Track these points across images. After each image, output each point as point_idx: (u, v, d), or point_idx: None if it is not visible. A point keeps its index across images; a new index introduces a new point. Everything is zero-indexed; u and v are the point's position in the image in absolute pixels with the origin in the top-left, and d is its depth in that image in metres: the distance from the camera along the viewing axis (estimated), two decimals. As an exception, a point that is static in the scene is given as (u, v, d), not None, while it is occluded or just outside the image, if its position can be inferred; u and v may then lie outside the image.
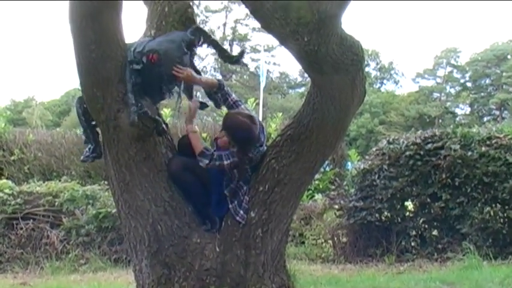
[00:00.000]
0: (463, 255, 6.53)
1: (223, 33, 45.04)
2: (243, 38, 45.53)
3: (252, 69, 40.66)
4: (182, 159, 4.17)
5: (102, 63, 3.78)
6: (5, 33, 62.44)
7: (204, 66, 41.96)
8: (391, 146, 7.45)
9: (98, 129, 4.20)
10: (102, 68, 3.79)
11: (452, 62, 49.24)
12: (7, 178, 9.54)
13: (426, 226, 7.33)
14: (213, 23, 46.23)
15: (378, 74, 52.68)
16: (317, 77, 3.86)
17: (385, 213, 7.38)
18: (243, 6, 4.02)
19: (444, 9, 70.74)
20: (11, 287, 6.40)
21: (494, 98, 45.23)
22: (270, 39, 33.45)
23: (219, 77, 37.29)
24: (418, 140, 7.32)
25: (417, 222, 7.35)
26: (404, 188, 7.21)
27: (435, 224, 7.26)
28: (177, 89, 4.13)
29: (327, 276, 6.20)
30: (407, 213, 7.45)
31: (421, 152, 7.19)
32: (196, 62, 5.41)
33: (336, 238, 7.63)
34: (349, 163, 10.66)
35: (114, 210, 6.66)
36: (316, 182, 9.45)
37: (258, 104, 14.25)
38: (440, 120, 44.44)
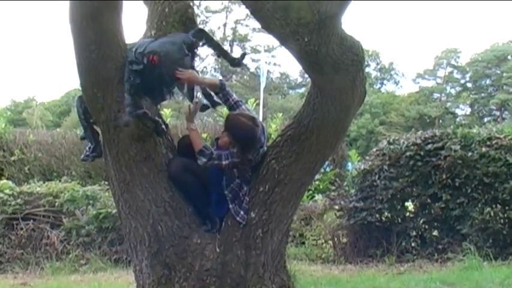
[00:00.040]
0: (464, 255, 6.52)
1: (224, 33, 45.04)
2: (243, 39, 45.52)
3: (252, 69, 40.71)
4: (182, 160, 4.17)
5: (103, 64, 3.78)
6: (5, 33, 62.51)
7: (205, 67, 41.98)
8: (392, 147, 7.45)
9: (98, 129, 4.21)
10: (103, 69, 3.79)
11: (453, 62, 49.23)
12: (7, 178, 9.54)
13: (426, 227, 7.33)
14: (213, 24, 46.33)
15: (378, 74, 52.69)
16: (317, 78, 3.86)
17: (386, 213, 7.38)
18: (243, 6, 4.03)
19: (444, 9, 70.79)
20: (11, 288, 6.41)
21: (494, 99, 45.22)
22: (270, 40, 33.41)
23: (219, 77, 37.26)
24: (419, 141, 7.32)
25: (417, 223, 7.35)
26: (404, 189, 7.21)
27: (435, 224, 7.26)
28: (178, 89, 4.13)
29: (327, 276, 6.20)
30: (408, 214, 7.45)
31: (422, 153, 7.19)
32: (197, 62, 5.41)
33: (336, 238, 7.63)
34: (349, 164, 10.65)
35: (114, 211, 6.66)
36: (317, 182, 9.45)
37: (258, 104, 14.25)
38: (440, 121, 44.43)
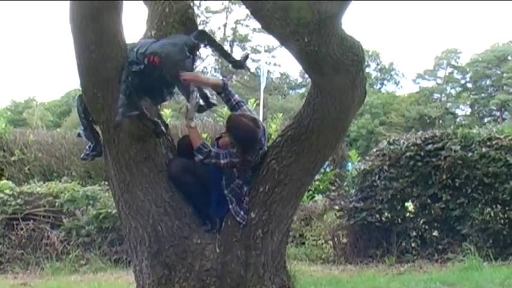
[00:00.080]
0: (464, 256, 6.53)
1: (224, 34, 44.99)
2: (244, 39, 45.48)
3: (252, 69, 40.68)
4: (182, 160, 4.18)
5: (103, 64, 3.78)
6: (6, 34, 62.49)
7: (205, 67, 41.97)
8: (392, 147, 7.45)
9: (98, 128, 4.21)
10: (103, 69, 3.79)
11: (453, 62, 49.22)
12: (7, 179, 9.55)
13: (426, 227, 7.34)
14: (214, 24, 46.29)
15: (379, 74, 52.67)
16: (317, 78, 3.86)
17: (386, 214, 7.39)
18: (243, 7, 4.03)
19: (445, 9, 70.77)
20: (12, 288, 6.41)
21: (494, 99, 45.21)
22: (271, 40, 33.49)
23: (219, 77, 37.27)
24: (419, 141, 7.32)
25: (417, 223, 7.36)
26: (404, 189, 7.21)
27: (435, 224, 7.26)
28: (178, 89, 4.13)
29: (327, 277, 6.21)
30: (408, 214, 7.46)
31: (422, 153, 7.19)
32: (197, 62, 5.41)
33: (336, 239, 7.63)
34: (349, 164, 10.65)
35: (114, 211, 6.66)
36: (317, 182, 9.45)
37: (258, 104, 14.24)
38: (440, 121, 44.43)
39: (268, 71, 41.40)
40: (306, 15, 3.46)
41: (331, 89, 3.82)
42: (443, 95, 49.80)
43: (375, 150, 7.93)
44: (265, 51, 29.26)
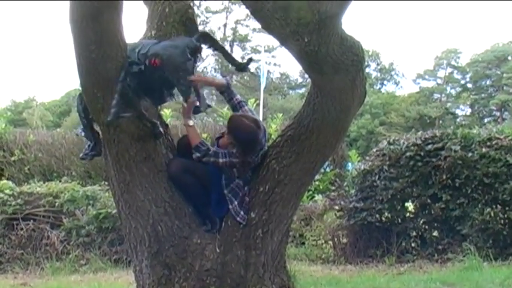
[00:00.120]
0: (464, 256, 6.53)
1: (224, 34, 45.04)
2: (244, 39, 45.53)
3: (252, 69, 40.67)
4: (182, 161, 4.18)
5: (103, 64, 3.77)
6: (5, 34, 62.51)
7: (205, 67, 42.01)
8: (392, 147, 7.46)
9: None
10: (103, 69, 3.78)
11: (453, 63, 49.21)
12: (7, 179, 9.55)
13: (426, 227, 7.34)
14: (214, 24, 46.35)
15: (379, 74, 52.66)
16: (317, 78, 3.86)
17: (386, 214, 7.39)
18: (243, 7, 4.03)
19: (445, 9, 70.74)
20: (12, 288, 6.41)
21: (494, 99, 45.20)
22: (271, 40, 33.44)
23: (219, 77, 37.28)
24: (419, 141, 7.33)
25: (417, 223, 7.36)
26: (404, 189, 7.21)
27: (435, 224, 7.26)
28: (179, 90, 4.13)
29: (327, 277, 6.21)
30: (408, 214, 7.46)
31: (422, 153, 7.19)
32: (197, 62, 5.41)
33: (336, 239, 7.63)
34: (349, 164, 10.65)
35: (114, 211, 6.66)
36: (317, 182, 9.45)
37: (258, 104, 14.26)
38: (440, 121, 44.42)
39: (268, 71, 41.44)
40: (306, 15, 3.46)
41: (331, 89, 3.82)
42: (443, 95, 49.80)
43: (375, 150, 7.93)
44: (265, 51, 29.26)
